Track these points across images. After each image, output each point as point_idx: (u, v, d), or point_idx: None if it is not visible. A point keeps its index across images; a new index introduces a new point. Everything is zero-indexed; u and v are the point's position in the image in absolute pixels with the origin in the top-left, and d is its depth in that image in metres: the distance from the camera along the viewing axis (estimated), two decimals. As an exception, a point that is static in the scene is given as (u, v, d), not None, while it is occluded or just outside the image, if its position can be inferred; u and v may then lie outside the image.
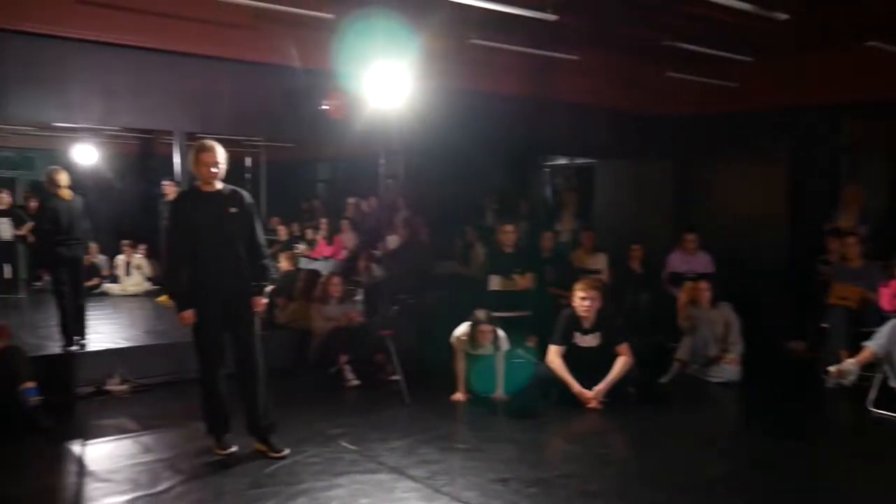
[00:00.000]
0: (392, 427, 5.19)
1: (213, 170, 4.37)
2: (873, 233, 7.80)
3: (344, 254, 10.95)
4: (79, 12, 5.73)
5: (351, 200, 13.07)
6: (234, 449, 4.58)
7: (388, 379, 6.40)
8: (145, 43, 6.03)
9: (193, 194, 4.50)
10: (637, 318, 7.62)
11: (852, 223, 7.83)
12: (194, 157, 4.39)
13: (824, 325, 6.55)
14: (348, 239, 11.18)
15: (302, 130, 6.83)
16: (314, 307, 6.96)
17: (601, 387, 5.68)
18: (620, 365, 5.78)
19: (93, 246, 11.15)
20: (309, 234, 11.99)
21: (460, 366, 5.96)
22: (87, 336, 7.04)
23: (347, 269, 10.67)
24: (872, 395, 5.60)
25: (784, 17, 5.61)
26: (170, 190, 10.50)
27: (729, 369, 6.47)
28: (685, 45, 7.08)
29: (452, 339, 6.00)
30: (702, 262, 7.77)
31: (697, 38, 6.98)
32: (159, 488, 4.09)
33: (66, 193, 6.92)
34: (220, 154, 4.40)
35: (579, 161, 11.50)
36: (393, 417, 5.46)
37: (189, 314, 4.38)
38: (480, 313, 5.90)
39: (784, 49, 7.79)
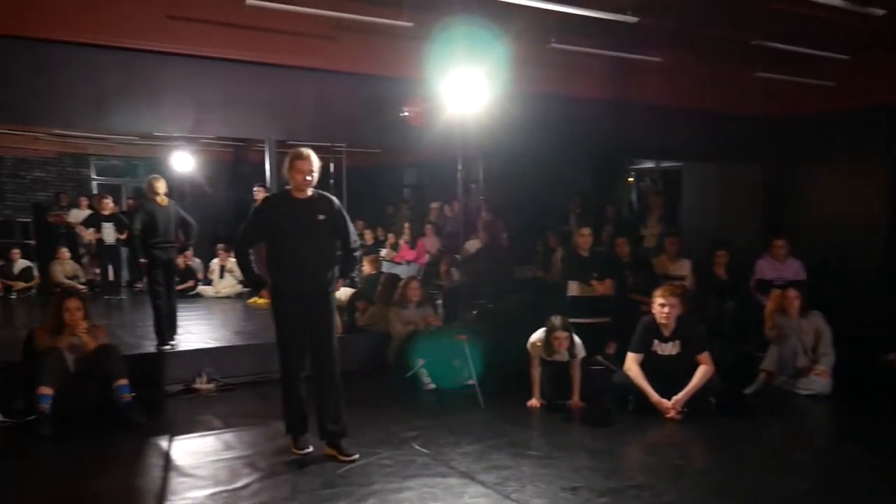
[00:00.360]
0: (465, 431, 5.21)
1: (308, 178, 4.47)
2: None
3: (426, 258, 11.07)
4: (170, 27, 6.02)
5: (434, 205, 13.20)
6: (310, 449, 4.69)
7: (464, 383, 6.45)
8: (233, 55, 6.28)
9: (283, 199, 4.59)
10: (722, 327, 7.39)
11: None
12: (289, 163, 4.48)
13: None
14: (431, 243, 11.29)
15: (383, 137, 6.92)
16: (392, 311, 7.07)
17: (680, 396, 5.54)
18: (701, 374, 5.61)
19: (188, 251, 11.66)
20: (391, 238, 12.15)
21: (535, 372, 5.93)
22: (178, 336, 7.40)
23: (429, 274, 10.80)
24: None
25: (881, 12, 5.33)
26: (260, 195, 10.91)
27: (819, 381, 6.18)
28: (775, 45, 6.81)
29: (528, 345, 5.98)
30: (792, 268, 7.45)
31: (788, 37, 6.70)
32: (237, 485, 4.24)
33: (163, 200, 7.33)
34: (315, 162, 4.50)
35: (666, 164, 11.24)
36: (467, 422, 5.47)
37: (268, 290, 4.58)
38: (556, 319, 5.85)
39: (880, 45, 7.38)
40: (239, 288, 12.00)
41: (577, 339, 5.91)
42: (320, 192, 4.64)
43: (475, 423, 5.47)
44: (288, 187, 4.60)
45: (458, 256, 10.13)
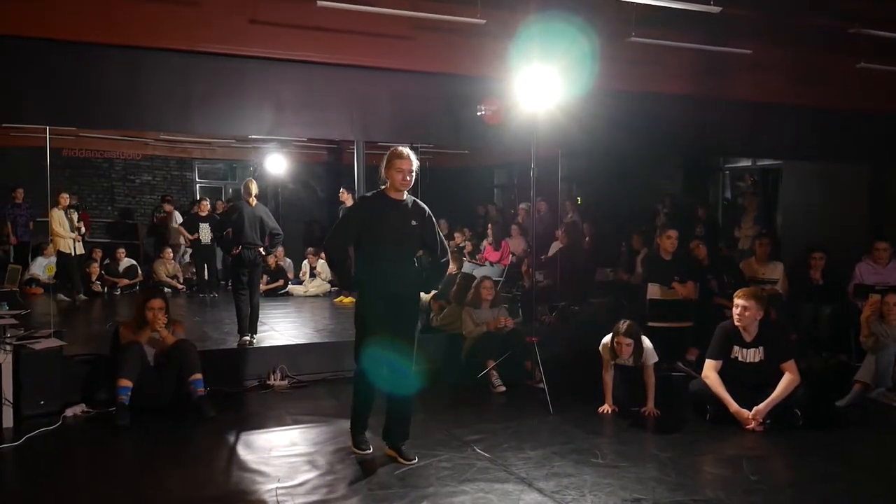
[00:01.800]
0: (530, 436, 5.09)
1: (407, 178, 4.45)
2: None
3: (510, 259, 10.96)
4: (251, 32, 6.17)
5: (522, 206, 13.06)
6: (370, 450, 4.67)
7: (535, 386, 6.33)
8: (310, 57, 6.37)
9: (379, 199, 4.53)
10: (817, 334, 6.95)
11: None
12: (387, 162, 4.46)
13: None
14: (517, 244, 11.17)
15: (459, 136, 6.88)
16: (466, 310, 7.01)
17: (761, 407, 5.22)
18: (785, 384, 5.28)
19: (279, 249, 12.00)
20: (467, 240, 12.14)
21: (607, 376, 5.75)
22: (261, 333, 7.60)
23: (512, 275, 10.69)
24: None
25: None
26: (345, 197, 11.08)
27: (921, 395, 5.72)
28: (876, 32, 6.33)
29: (600, 347, 5.80)
30: (895, 273, 6.93)
31: (890, 23, 6.21)
32: (295, 482, 4.28)
33: (253, 201, 7.57)
34: (414, 162, 4.48)
35: (764, 163, 10.70)
36: (533, 427, 5.35)
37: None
38: (622, 324, 5.66)
39: None
40: (327, 287, 12.25)
41: (647, 344, 5.68)
42: (414, 198, 4.63)
43: (542, 427, 5.34)
44: (383, 187, 4.56)
45: (542, 258, 9.99)
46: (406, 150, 4.49)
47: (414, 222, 4.53)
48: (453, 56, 6.50)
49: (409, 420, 4.69)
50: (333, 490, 4.16)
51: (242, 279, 7.48)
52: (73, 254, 10.56)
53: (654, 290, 6.87)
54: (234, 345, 7.30)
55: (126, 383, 5.40)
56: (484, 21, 5.97)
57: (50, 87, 5.82)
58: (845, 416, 5.71)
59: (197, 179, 15.98)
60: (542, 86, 5.95)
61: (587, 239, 9.30)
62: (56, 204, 10.22)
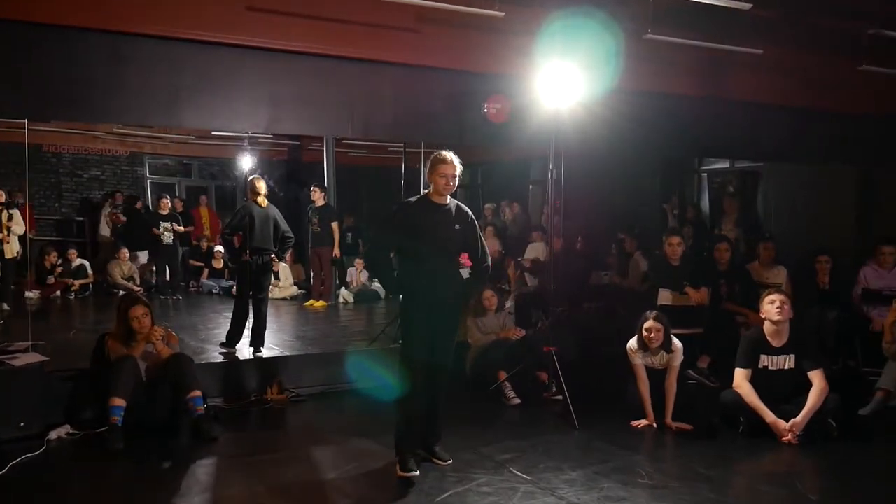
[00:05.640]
0: (564, 454, 4.79)
1: (451, 182, 4.40)
2: None
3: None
4: (248, 20, 5.69)
5: (488, 206, 12.79)
6: (417, 472, 4.33)
7: (551, 398, 6.05)
8: (310, 48, 5.94)
9: (423, 204, 4.48)
10: (824, 340, 6.86)
11: None
12: (431, 167, 4.43)
13: None
14: (492, 245, 10.88)
15: (463, 135, 6.53)
16: (470, 319, 6.68)
17: (799, 419, 5.04)
18: (818, 393, 5.11)
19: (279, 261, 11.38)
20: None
21: (644, 387, 5.46)
22: (242, 343, 7.03)
23: (492, 277, 10.39)
24: None
25: None
26: (317, 195, 10.62)
27: (945, 402, 5.65)
28: (890, 33, 6.25)
29: (627, 352, 5.52)
30: (901, 277, 6.90)
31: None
32: (330, 513, 3.90)
33: (263, 201, 7.02)
34: (458, 167, 4.43)
35: (742, 165, 10.69)
36: (563, 443, 5.05)
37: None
38: (649, 312, 5.50)
39: None
40: (294, 290, 11.75)
41: (676, 341, 5.47)
42: (457, 202, 4.55)
43: (572, 444, 5.05)
44: (427, 192, 4.53)
45: (520, 259, 9.73)
46: (449, 155, 4.45)
47: (457, 226, 4.48)
48: (463, 51, 6.16)
49: (442, 419, 4.67)
50: (374, 522, 3.80)
51: (246, 286, 6.92)
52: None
53: (664, 296, 6.66)
54: (217, 355, 6.78)
55: (119, 402, 4.89)
56: (503, 14, 5.62)
57: (21, 76, 5.24)
58: (870, 426, 5.59)
59: (148, 175, 15.21)
60: (554, 83, 5.70)
61: (580, 241, 9.06)
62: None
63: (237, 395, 6.02)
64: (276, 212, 7.10)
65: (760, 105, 7.67)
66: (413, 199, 4.56)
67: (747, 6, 5.24)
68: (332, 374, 6.46)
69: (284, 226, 7.11)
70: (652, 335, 5.39)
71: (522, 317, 7.85)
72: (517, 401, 6.05)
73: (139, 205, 13.39)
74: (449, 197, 4.49)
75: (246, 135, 11.85)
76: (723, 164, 11.18)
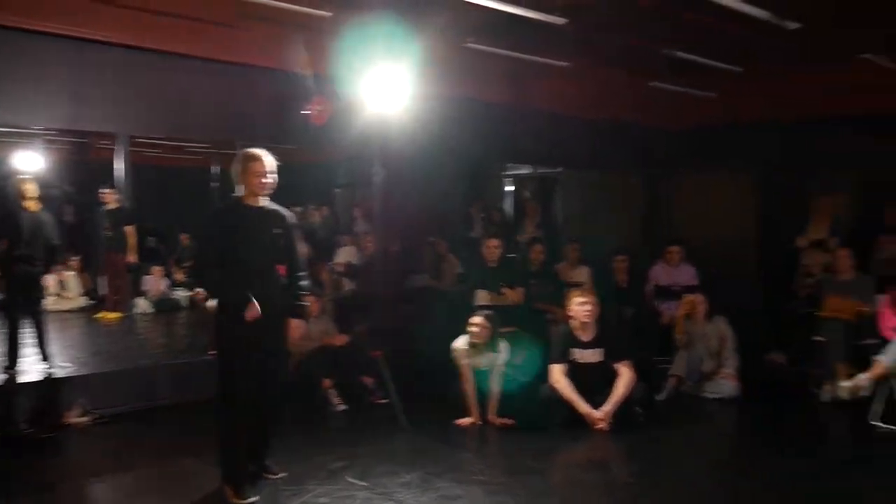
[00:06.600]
0: (396, 458, 4.80)
1: (264, 180, 4.06)
2: (842, 244, 7.85)
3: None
4: (46, 3, 5.14)
5: (294, 209, 12.52)
6: (255, 499, 4.05)
7: (377, 402, 6.03)
8: (117, 38, 5.48)
9: (236, 207, 4.11)
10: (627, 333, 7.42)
11: (824, 234, 7.85)
12: (242, 167, 4.07)
13: (819, 338, 6.46)
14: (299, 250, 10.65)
15: (285, 136, 6.35)
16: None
17: (609, 407, 5.42)
18: (625, 382, 5.53)
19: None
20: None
21: (468, 385, 5.59)
22: (25, 361, 6.30)
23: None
24: (878, 408, 5.53)
25: (795, 25, 5.52)
26: (109, 198, 9.82)
27: (727, 385, 6.33)
28: (684, 55, 6.92)
29: (453, 353, 5.64)
30: (686, 274, 7.63)
31: (695, 49, 6.84)
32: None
33: (33, 205, 6.30)
34: (271, 163, 4.10)
35: (542, 170, 11.32)
36: (394, 446, 5.06)
37: (253, 309, 3.95)
38: (481, 311, 5.67)
39: (773, 62, 7.73)
40: (82, 301, 10.79)
41: (502, 342, 5.68)
42: (275, 205, 4.20)
43: (403, 447, 5.08)
44: (237, 195, 4.12)
45: (331, 263, 9.64)
46: (259, 151, 4.13)
47: (277, 230, 4.15)
48: (284, 50, 5.97)
49: (271, 431, 4.40)
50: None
51: (17, 300, 6.19)
52: None
53: (482, 297, 6.88)
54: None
55: None
56: (330, 14, 5.52)
57: None
58: (666, 409, 6.14)
59: None
60: (379, 87, 5.73)
61: (395, 244, 9.11)
62: None
63: (27, 421, 5.37)
64: (47, 217, 6.45)
65: (562, 115, 8.18)
66: (223, 204, 4.24)
67: (562, 21, 5.55)
68: (138, 390, 5.99)
69: (51, 233, 6.46)
70: (478, 330, 5.54)
71: (343, 322, 7.76)
72: (343, 407, 5.97)
73: None
74: (266, 199, 4.14)
75: (19, 130, 10.72)
76: (525, 170, 11.77)
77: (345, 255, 9.81)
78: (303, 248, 9.30)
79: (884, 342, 5.63)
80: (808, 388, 6.48)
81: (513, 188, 12.16)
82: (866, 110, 7.74)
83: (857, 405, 5.63)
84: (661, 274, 7.73)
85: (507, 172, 12.01)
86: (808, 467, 4.78)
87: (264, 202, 4.15)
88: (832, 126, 8.10)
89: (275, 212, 4.19)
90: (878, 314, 5.99)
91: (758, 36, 6.14)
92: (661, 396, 6.33)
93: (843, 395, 5.64)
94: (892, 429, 5.39)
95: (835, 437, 5.88)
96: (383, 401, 5.89)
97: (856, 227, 8.09)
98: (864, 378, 5.43)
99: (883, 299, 6.06)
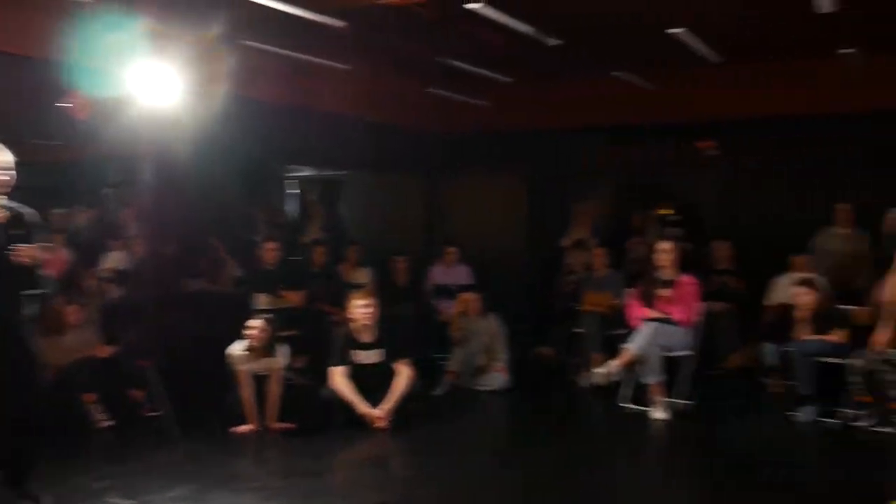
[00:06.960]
0: (168, 472, 4.57)
1: (5, 177, 3.65)
2: (601, 244, 8.63)
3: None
4: None
5: (58, 211, 11.50)
6: None
7: (148, 415, 5.70)
8: None
9: None
10: (405, 333, 7.61)
11: (586, 235, 8.58)
12: None
13: (579, 330, 7.06)
14: (60, 256, 9.80)
15: (34, 131, 5.80)
16: (46, 342, 5.90)
17: (389, 406, 5.54)
18: (404, 380, 5.69)
19: None
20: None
21: (247, 392, 5.45)
22: None
23: (68, 289, 9.38)
24: (627, 392, 6.14)
25: (556, 42, 5.97)
26: None
27: (499, 377, 6.72)
28: (458, 63, 7.22)
29: (231, 360, 5.48)
30: (462, 273, 8.00)
31: (468, 58, 7.16)
32: None
33: None
34: (9, 158, 3.68)
35: (327, 173, 11.31)
36: (166, 460, 4.83)
37: None
38: (262, 315, 5.62)
39: (539, 73, 8.29)
40: None
41: (280, 346, 5.64)
42: (12, 203, 3.75)
43: (177, 459, 4.86)
44: None
45: (97, 269, 8.97)
46: None
47: (14, 231, 3.72)
48: (32, 37, 5.45)
49: (27, 453, 4.00)
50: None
51: None
52: None
53: (262, 300, 6.77)
54: None
55: None
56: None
57: None
58: (443, 403, 6.39)
59: None
60: (147, 81, 5.43)
61: (169, 247, 8.64)
62: None
63: None
64: None
65: (345, 117, 8.21)
66: None
67: (341, 23, 5.57)
68: None
69: None
70: (255, 334, 5.45)
71: (109, 331, 7.23)
72: (108, 423, 5.57)
73: None
74: (4, 198, 3.72)
75: None
76: (310, 172, 11.68)
77: (113, 259, 9.18)
78: (63, 253, 8.63)
79: (631, 332, 6.27)
80: (569, 377, 7.07)
81: (297, 190, 12.04)
82: (619, 122, 8.56)
83: (610, 390, 6.23)
84: (439, 274, 8.05)
85: (291, 174, 11.86)
86: (571, 448, 5.22)
87: (1, 201, 3.71)
88: (591, 136, 8.88)
89: (14, 211, 3.77)
90: (626, 306, 6.66)
91: (525, 48, 6.57)
92: (438, 391, 6.58)
93: (599, 380, 6.19)
94: (638, 409, 6.02)
95: (591, 419, 6.46)
96: (154, 413, 5.58)
97: (615, 228, 8.93)
98: (614, 365, 6.00)
99: (631, 293, 6.74)
